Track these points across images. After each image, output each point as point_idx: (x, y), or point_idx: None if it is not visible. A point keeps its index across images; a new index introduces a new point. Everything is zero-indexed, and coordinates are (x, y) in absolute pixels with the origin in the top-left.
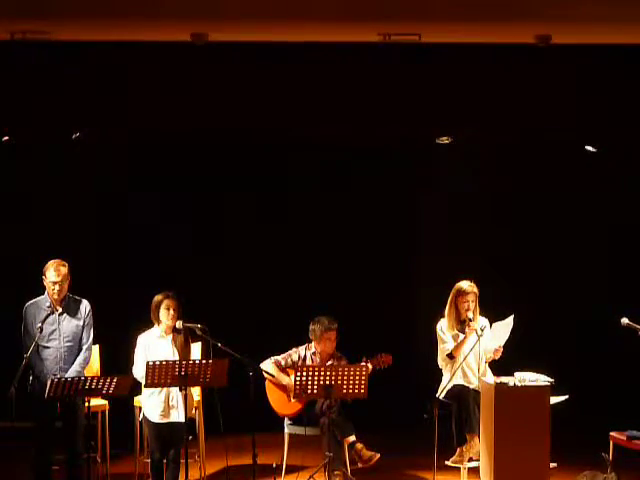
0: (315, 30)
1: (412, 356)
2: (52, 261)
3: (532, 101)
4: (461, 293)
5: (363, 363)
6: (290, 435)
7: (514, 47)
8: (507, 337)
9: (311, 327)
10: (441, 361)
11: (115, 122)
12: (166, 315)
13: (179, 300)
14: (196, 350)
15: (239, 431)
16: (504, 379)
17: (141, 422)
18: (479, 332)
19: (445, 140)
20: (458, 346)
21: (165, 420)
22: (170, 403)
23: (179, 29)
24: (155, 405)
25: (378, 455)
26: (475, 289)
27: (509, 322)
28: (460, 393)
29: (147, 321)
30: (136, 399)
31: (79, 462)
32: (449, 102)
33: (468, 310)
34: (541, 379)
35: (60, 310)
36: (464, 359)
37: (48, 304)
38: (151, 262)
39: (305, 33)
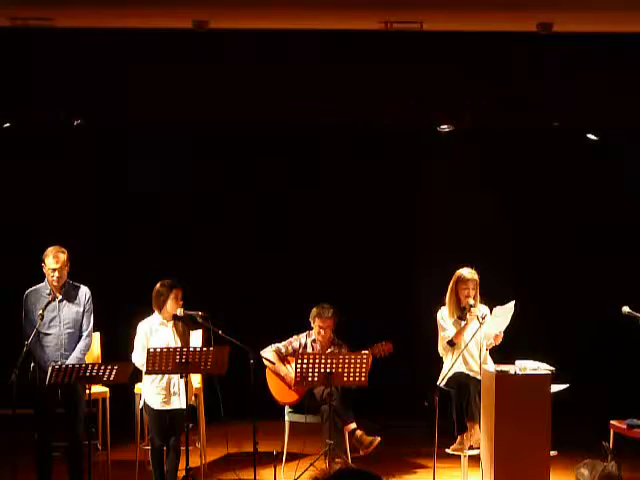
0: (316, 18)
1: (413, 344)
2: (51, 248)
3: (535, 90)
4: (461, 280)
5: (365, 351)
6: (291, 423)
7: (515, 35)
8: (508, 323)
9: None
10: (442, 349)
11: (116, 109)
12: (175, 304)
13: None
14: (197, 338)
15: (240, 419)
16: (505, 367)
17: (142, 409)
18: (480, 319)
19: (446, 128)
20: (459, 332)
21: (167, 407)
22: (172, 390)
23: (180, 16)
24: (157, 392)
25: (379, 439)
26: (476, 276)
27: (510, 307)
28: (461, 381)
29: (148, 308)
30: (137, 386)
31: (80, 449)
32: (450, 90)
33: (468, 297)
34: (542, 367)
35: (60, 297)
36: (465, 346)
37: (48, 291)
38: (152, 249)
39: (306, 21)
